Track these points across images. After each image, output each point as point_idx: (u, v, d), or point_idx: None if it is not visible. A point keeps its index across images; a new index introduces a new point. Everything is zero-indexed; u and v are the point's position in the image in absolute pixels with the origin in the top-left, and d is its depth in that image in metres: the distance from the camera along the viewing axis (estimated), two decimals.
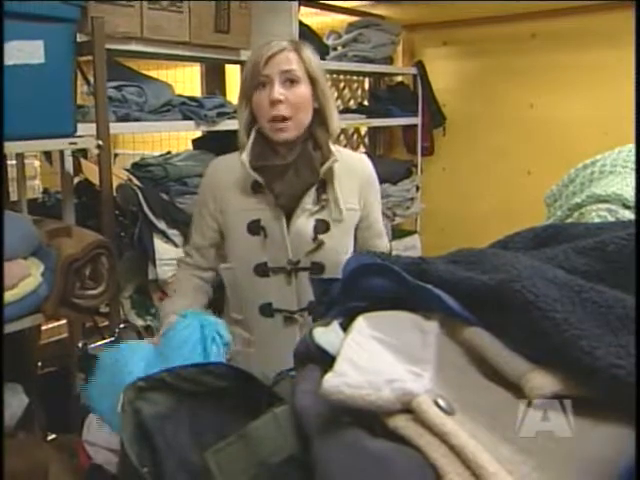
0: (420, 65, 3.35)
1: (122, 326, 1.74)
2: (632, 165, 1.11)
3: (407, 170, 3.18)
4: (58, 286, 1.41)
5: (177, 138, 2.95)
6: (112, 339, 1.71)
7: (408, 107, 3.27)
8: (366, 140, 3.56)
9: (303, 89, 1.38)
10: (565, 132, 2.96)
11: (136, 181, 1.90)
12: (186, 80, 2.94)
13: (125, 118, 1.81)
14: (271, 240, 1.39)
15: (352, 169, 1.46)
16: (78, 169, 1.97)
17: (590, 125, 2.85)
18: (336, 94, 3.32)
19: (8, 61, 1.34)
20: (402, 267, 0.60)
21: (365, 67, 2.97)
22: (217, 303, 1.53)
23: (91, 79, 1.69)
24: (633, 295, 0.49)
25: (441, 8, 2.92)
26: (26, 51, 1.39)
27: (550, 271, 0.54)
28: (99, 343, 1.88)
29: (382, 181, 1.57)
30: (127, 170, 2.02)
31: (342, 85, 3.42)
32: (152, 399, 0.73)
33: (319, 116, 1.42)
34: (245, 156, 1.38)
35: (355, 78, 3.49)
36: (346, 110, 3.15)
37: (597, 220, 0.97)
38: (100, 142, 1.62)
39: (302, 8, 2.56)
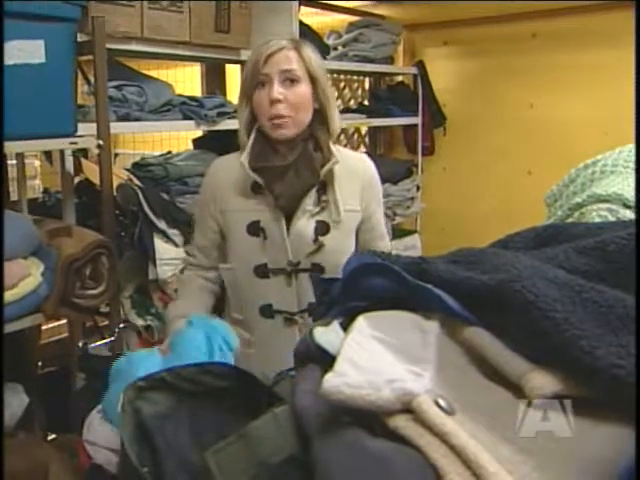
0: (420, 65, 3.35)
1: (122, 326, 1.74)
2: (633, 165, 1.11)
3: (407, 170, 3.18)
4: (58, 286, 1.40)
5: (177, 138, 2.95)
6: (112, 339, 1.71)
7: (408, 107, 3.27)
8: (366, 140, 3.56)
9: (303, 88, 1.37)
10: (565, 132, 2.96)
11: (136, 181, 1.90)
12: (186, 80, 2.94)
13: (125, 118, 1.81)
14: (271, 241, 1.38)
15: (353, 170, 1.45)
16: (78, 169, 1.97)
17: (590, 125, 2.85)
18: (336, 94, 3.32)
19: (8, 61, 1.34)
20: (402, 267, 0.60)
21: (365, 67, 2.97)
22: (218, 303, 1.53)
23: (91, 79, 1.69)
24: (633, 295, 0.49)
25: (442, 8, 2.92)
26: (27, 51, 1.39)
27: (550, 271, 0.54)
28: (99, 343, 1.89)
29: (383, 181, 1.57)
30: (127, 170, 2.02)
31: (342, 85, 3.42)
32: (152, 399, 0.73)
33: (320, 116, 1.42)
34: (245, 157, 1.38)
35: (355, 78, 3.49)
36: (346, 110, 3.15)
37: (598, 220, 0.97)
38: (100, 142, 1.62)
39: (302, 8, 2.55)
